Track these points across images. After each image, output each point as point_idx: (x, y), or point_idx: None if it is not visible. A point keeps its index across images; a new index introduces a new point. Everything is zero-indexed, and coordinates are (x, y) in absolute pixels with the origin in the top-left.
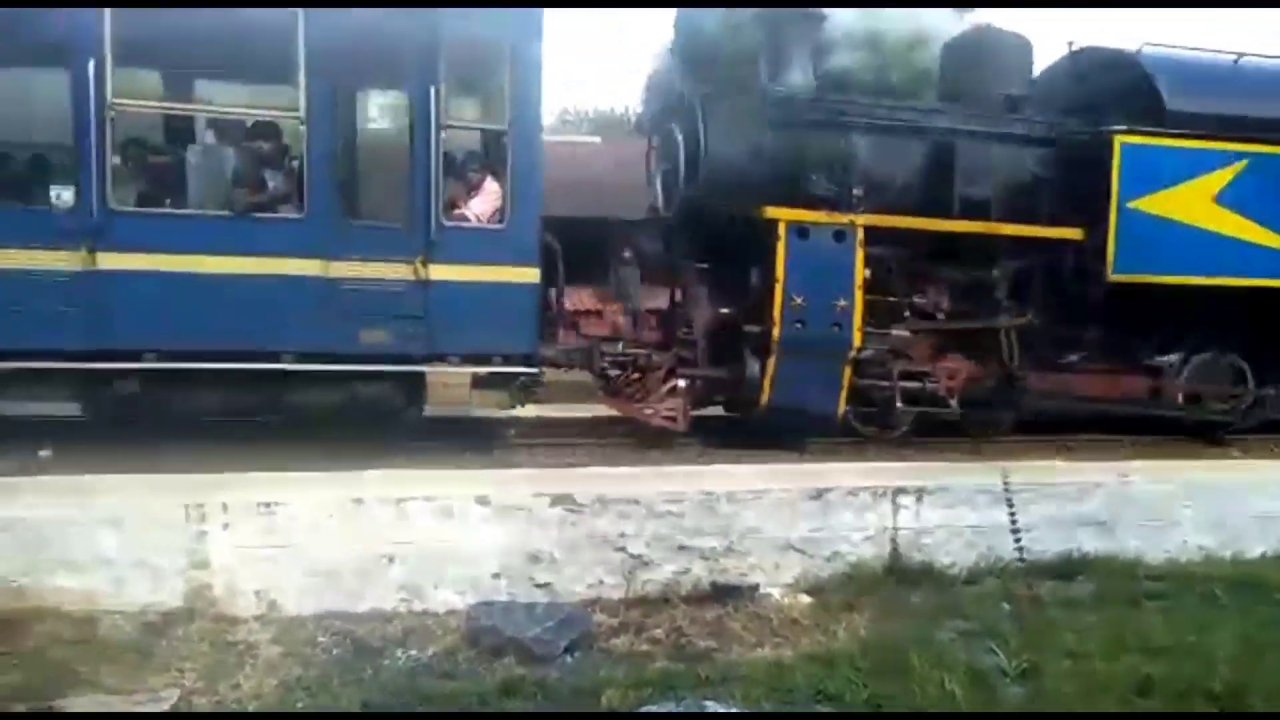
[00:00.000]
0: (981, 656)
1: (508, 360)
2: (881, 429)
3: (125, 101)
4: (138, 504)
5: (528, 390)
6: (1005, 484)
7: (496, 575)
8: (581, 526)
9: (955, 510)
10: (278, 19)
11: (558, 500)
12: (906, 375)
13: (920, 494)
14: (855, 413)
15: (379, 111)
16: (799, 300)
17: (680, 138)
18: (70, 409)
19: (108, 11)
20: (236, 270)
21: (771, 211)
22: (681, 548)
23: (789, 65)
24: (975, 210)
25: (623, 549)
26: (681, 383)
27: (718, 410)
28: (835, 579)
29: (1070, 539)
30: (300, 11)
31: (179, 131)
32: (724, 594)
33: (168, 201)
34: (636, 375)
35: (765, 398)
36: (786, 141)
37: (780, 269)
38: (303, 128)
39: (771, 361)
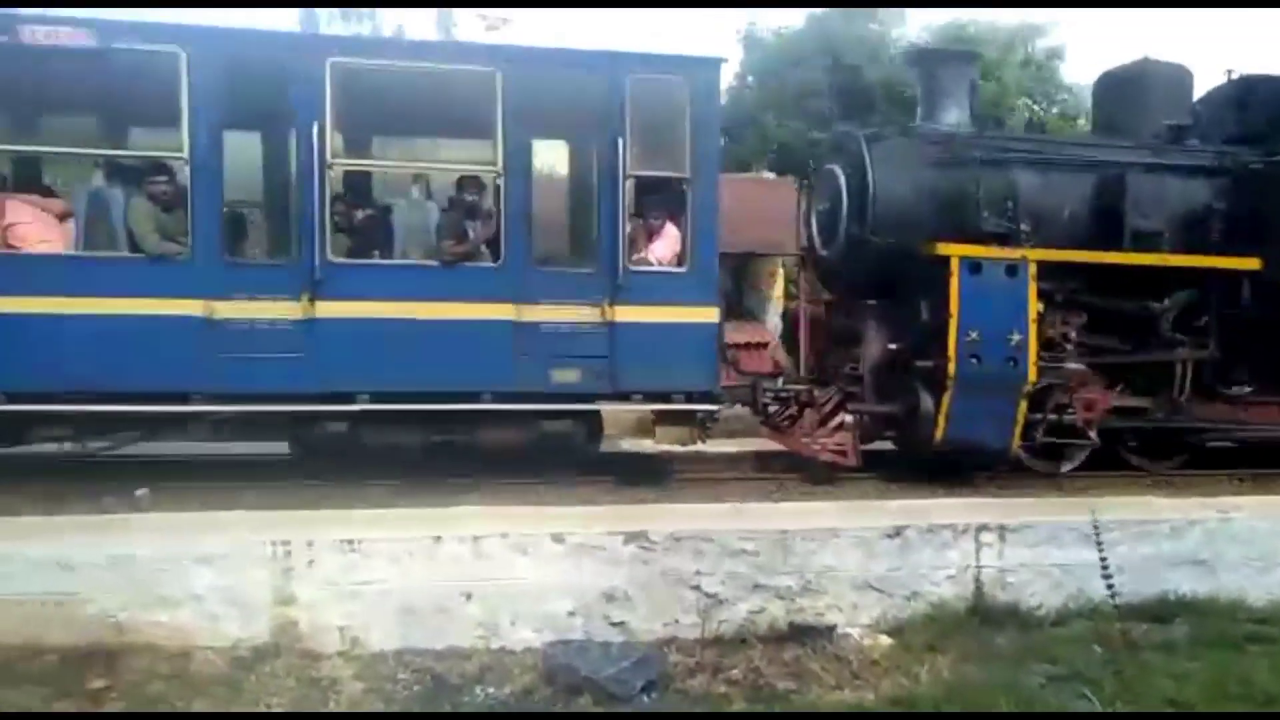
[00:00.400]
0: (1074, 702)
1: (689, 397)
2: (1049, 462)
3: (342, 160)
4: (228, 541)
5: (705, 426)
6: (1094, 522)
7: (572, 613)
8: (655, 564)
9: (1040, 549)
10: (479, 78)
11: (631, 538)
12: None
13: (1002, 531)
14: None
15: (568, 162)
16: (974, 335)
17: (842, 177)
18: (280, 448)
19: (329, 77)
20: (440, 316)
21: (944, 248)
22: (757, 586)
23: (945, 103)
24: (1147, 242)
25: (697, 587)
26: (849, 417)
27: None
28: (916, 619)
29: (1166, 579)
30: (498, 71)
31: (388, 187)
32: (802, 634)
33: (376, 253)
34: (797, 411)
35: (940, 433)
36: (951, 179)
37: (954, 304)
38: (499, 180)
39: (946, 396)
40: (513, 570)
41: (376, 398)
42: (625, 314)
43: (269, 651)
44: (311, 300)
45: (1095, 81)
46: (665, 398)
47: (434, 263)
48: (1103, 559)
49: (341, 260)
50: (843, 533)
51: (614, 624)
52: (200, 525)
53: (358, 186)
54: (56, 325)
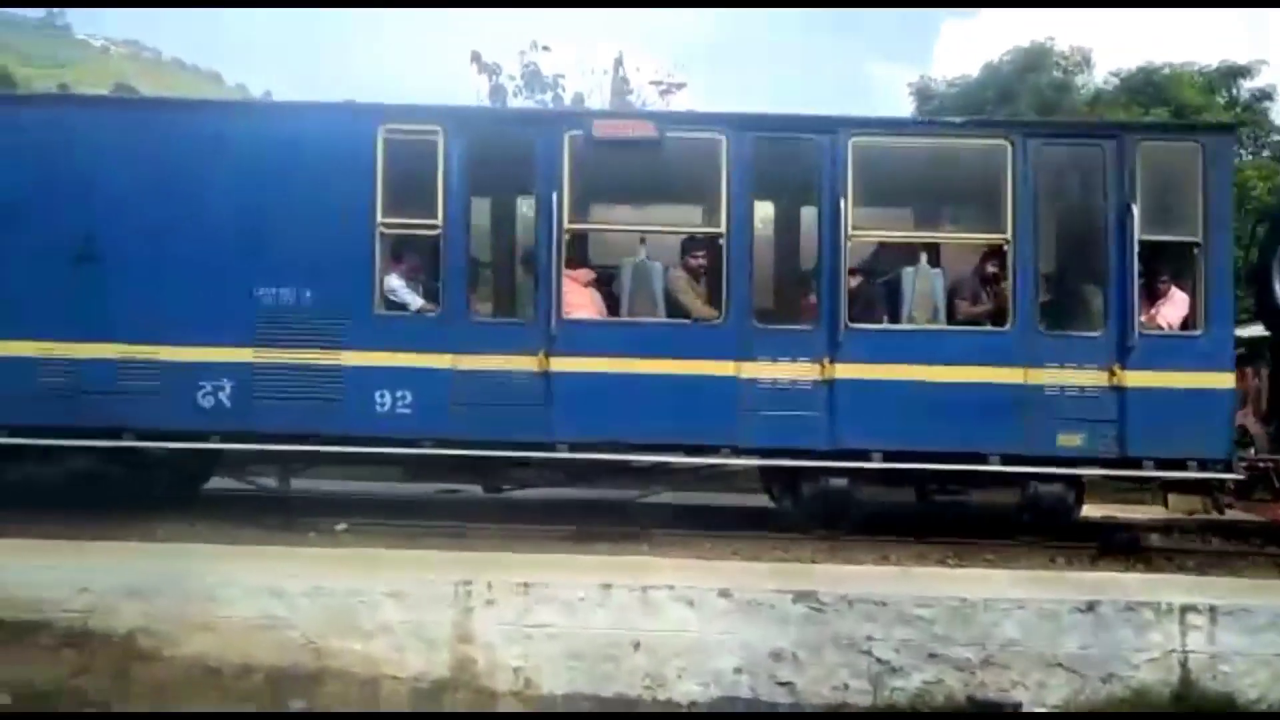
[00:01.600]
0: None
1: (1202, 465)
2: None
3: (861, 232)
4: (417, 578)
5: (1218, 497)
6: None
7: (738, 670)
8: (825, 626)
9: (1261, 635)
10: (991, 150)
11: (800, 597)
12: None
13: (1213, 613)
14: None
15: (1074, 227)
16: None
17: None
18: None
19: (850, 154)
20: (949, 379)
21: None
22: (933, 656)
23: None
24: None
25: (869, 653)
26: None
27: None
28: (1113, 704)
29: None
30: (1008, 143)
31: (898, 256)
32: (982, 710)
33: (885, 318)
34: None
35: None
36: None
37: None
38: (1008, 248)
39: None
40: (680, 623)
41: (889, 457)
42: (1136, 378)
43: (448, 686)
44: (831, 362)
45: None
46: (1178, 465)
47: (944, 328)
48: None
49: (857, 326)
50: (1029, 604)
51: (781, 684)
52: (392, 562)
53: (868, 255)
54: (605, 382)
